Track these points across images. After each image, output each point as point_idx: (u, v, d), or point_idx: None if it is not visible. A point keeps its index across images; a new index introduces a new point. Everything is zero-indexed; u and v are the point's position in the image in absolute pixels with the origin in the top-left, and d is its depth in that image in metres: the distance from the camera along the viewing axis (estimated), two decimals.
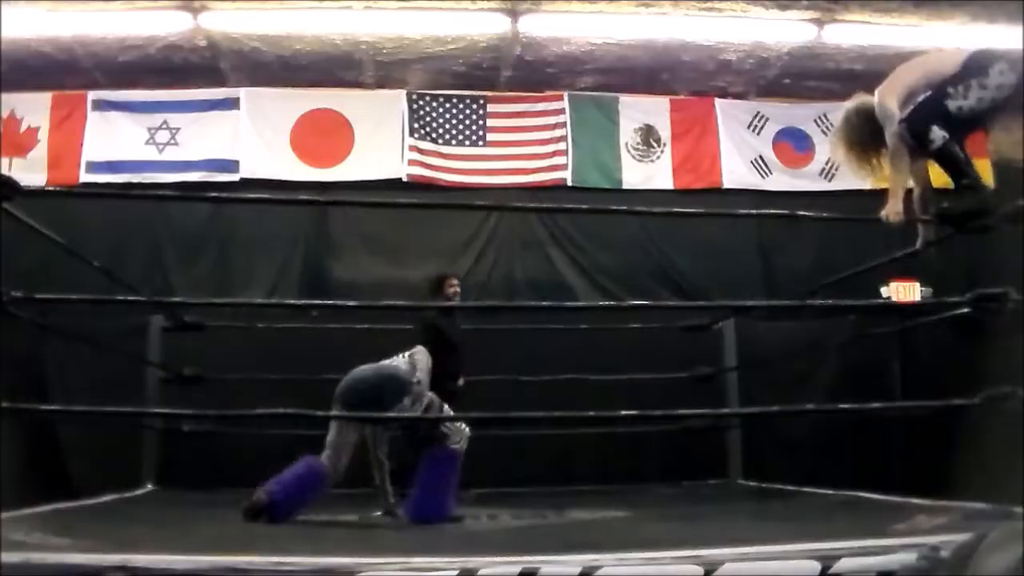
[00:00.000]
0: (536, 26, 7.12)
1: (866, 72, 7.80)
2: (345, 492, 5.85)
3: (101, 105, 7.76)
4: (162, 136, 7.75)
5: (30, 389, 6.49)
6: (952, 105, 3.58)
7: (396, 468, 4.87)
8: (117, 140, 7.71)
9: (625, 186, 8.03)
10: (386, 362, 4.71)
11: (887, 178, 3.94)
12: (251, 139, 7.79)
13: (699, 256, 7.85)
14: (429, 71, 7.85)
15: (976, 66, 3.58)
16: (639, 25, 7.10)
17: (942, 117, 3.59)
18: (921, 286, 7.44)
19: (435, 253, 7.70)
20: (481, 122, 8.08)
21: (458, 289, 6.33)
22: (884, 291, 7.32)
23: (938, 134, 3.57)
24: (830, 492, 5.38)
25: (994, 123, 3.65)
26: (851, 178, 8.06)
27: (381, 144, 7.90)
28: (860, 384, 7.07)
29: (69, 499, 5.29)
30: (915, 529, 3.23)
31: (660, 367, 6.50)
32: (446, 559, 2.39)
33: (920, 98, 3.67)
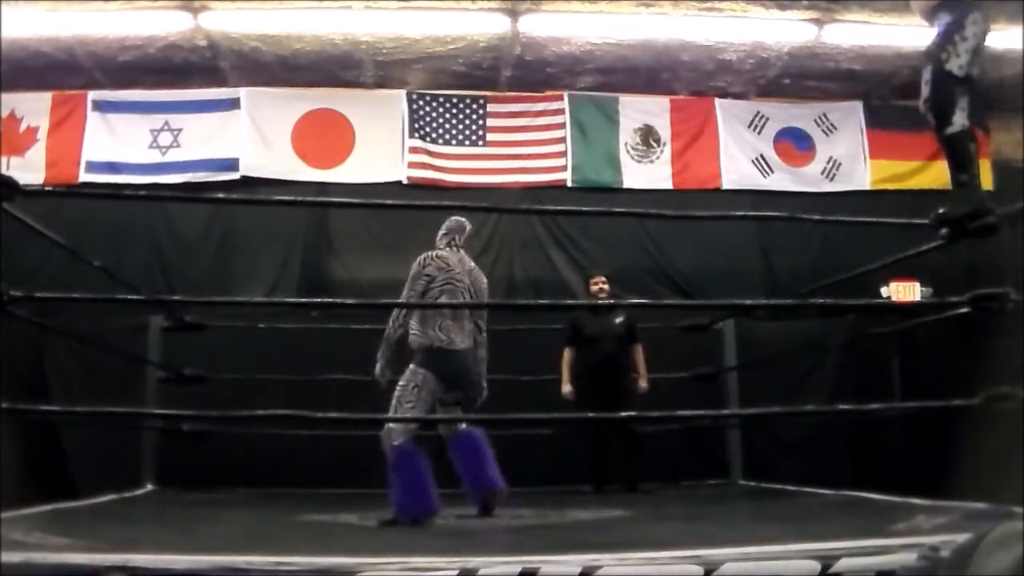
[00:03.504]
0: (536, 26, 7.12)
1: (866, 72, 7.84)
2: (345, 492, 5.86)
3: (101, 105, 7.75)
4: (165, 139, 7.75)
5: (30, 389, 6.49)
6: (954, 67, 3.61)
7: None
8: (117, 140, 7.71)
9: (625, 186, 8.03)
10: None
11: None
12: (252, 139, 7.79)
13: (699, 256, 7.85)
14: (429, 71, 7.85)
15: (951, 21, 3.63)
16: (639, 25, 7.10)
17: (957, 86, 3.62)
18: (921, 286, 7.44)
19: None
20: (481, 122, 8.08)
21: (602, 287, 6.55)
22: (884, 291, 7.32)
23: (959, 121, 3.60)
24: (830, 492, 5.38)
25: (978, 71, 3.66)
26: (852, 178, 8.19)
27: (381, 144, 7.90)
28: (860, 384, 7.08)
29: (69, 499, 5.29)
30: (915, 529, 3.23)
31: (660, 367, 6.50)
32: (446, 559, 2.39)
33: (927, 76, 3.70)
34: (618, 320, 6.47)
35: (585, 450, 6.44)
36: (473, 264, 4.59)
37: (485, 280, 4.61)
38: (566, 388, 6.31)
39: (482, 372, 4.48)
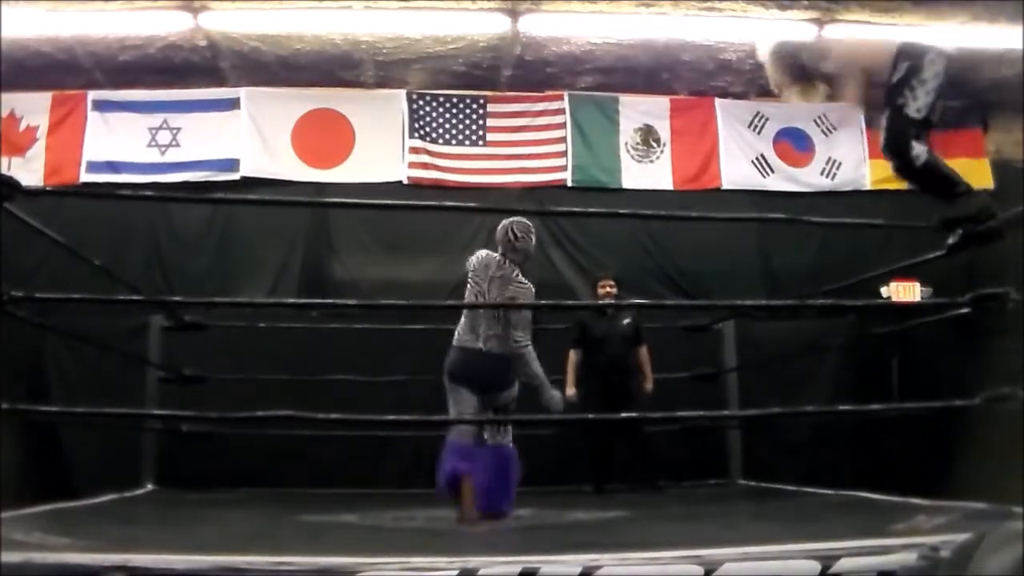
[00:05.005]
0: (536, 26, 7.12)
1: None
2: (345, 492, 5.87)
3: (101, 105, 7.74)
4: (163, 137, 7.74)
5: (30, 389, 6.49)
6: (911, 110, 3.64)
7: None
8: (117, 140, 7.70)
9: (625, 186, 8.03)
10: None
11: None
12: (252, 139, 7.78)
13: (699, 256, 7.84)
14: (429, 71, 7.85)
15: (910, 66, 3.65)
16: (639, 25, 7.10)
17: (912, 126, 3.64)
18: (921, 286, 7.44)
19: (435, 253, 7.71)
20: (481, 122, 8.08)
21: (609, 290, 6.57)
22: (884, 291, 7.32)
23: (920, 149, 3.62)
24: (830, 492, 5.38)
25: (937, 113, 3.71)
26: (852, 178, 8.19)
27: (381, 144, 7.90)
28: (860, 384, 7.08)
29: (69, 499, 5.29)
30: (915, 529, 3.23)
31: (660, 367, 6.50)
32: (446, 559, 2.39)
33: (882, 121, 3.74)
34: (625, 322, 6.48)
35: (587, 450, 6.43)
36: (507, 272, 4.57)
37: (520, 286, 4.59)
38: (570, 391, 6.21)
39: (507, 376, 4.48)
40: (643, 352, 6.50)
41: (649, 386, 6.43)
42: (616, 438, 6.48)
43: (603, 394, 6.19)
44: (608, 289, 6.56)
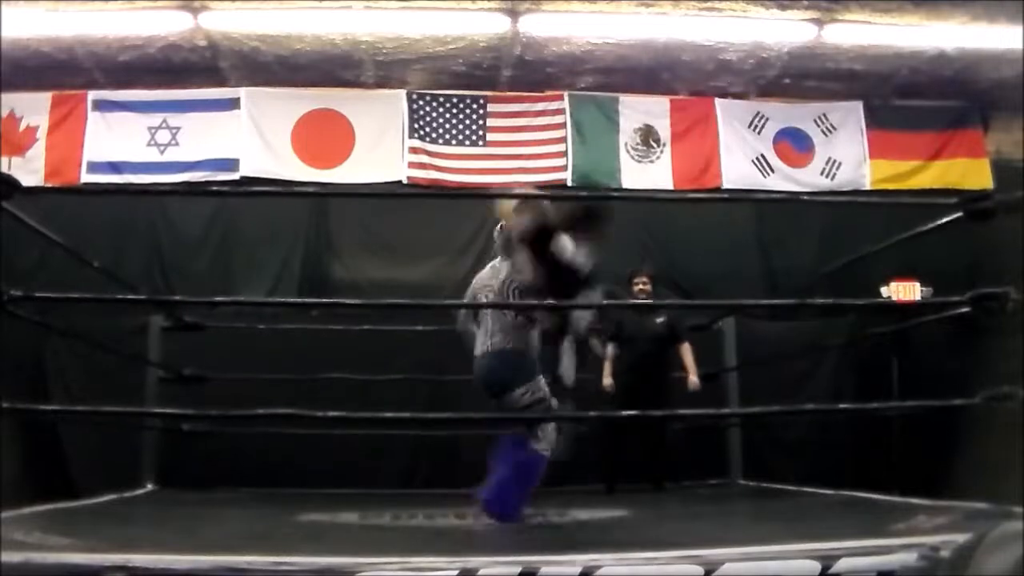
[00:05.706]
0: (536, 26, 7.12)
1: (866, 72, 7.84)
2: (345, 492, 5.87)
3: (101, 105, 7.76)
4: (163, 136, 7.75)
5: (30, 389, 6.48)
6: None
7: None
8: (117, 140, 7.71)
9: (625, 186, 8.03)
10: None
11: None
12: (252, 139, 7.79)
13: (699, 255, 7.84)
14: (429, 71, 7.85)
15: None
16: (639, 25, 7.10)
17: None
18: (921, 286, 7.44)
19: (435, 253, 7.71)
20: (481, 122, 8.08)
21: (644, 287, 6.51)
22: (884, 291, 7.32)
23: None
24: (830, 492, 5.38)
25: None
26: (852, 178, 8.20)
27: (381, 144, 7.90)
28: (860, 384, 7.08)
29: (69, 499, 5.28)
30: (915, 529, 3.23)
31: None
32: (446, 559, 2.39)
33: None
34: (659, 320, 6.45)
35: (597, 450, 6.37)
36: (499, 264, 4.48)
37: (505, 275, 4.43)
38: (607, 380, 6.31)
39: (507, 373, 4.26)
40: (683, 348, 6.44)
41: (695, 379, 6.33)
42: (631, 437, 6.45)
43: (629, 393, 6.15)
44: (642, 286, 6.53)
